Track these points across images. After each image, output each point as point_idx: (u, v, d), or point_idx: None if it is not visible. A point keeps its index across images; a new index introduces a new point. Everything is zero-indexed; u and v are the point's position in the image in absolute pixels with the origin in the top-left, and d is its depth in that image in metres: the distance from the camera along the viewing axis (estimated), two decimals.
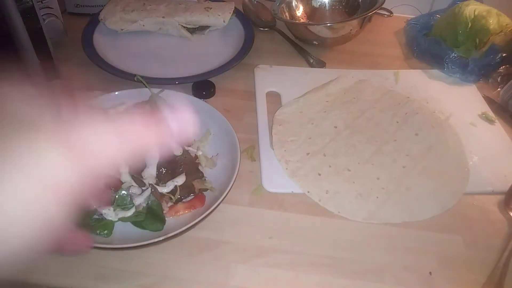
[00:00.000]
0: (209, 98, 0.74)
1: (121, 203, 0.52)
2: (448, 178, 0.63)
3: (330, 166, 0.63)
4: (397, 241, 0.55)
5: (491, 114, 0.74)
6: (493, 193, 0.62)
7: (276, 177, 0.61)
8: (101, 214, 0.51)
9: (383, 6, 0.83)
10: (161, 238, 0.47)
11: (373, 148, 0.66)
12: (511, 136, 0.71)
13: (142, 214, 0.52)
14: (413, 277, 0.52)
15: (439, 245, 0.55)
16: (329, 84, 0.78)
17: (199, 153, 0.59)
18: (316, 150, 0.65)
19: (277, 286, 0.50)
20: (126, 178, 0.53)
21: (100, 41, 0.83)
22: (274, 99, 0.75)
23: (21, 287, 0.50)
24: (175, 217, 0.54)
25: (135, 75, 0.70)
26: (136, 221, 0.52)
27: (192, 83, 0.75)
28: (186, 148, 0.58)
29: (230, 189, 0.52)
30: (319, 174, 0.62)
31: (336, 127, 0.69)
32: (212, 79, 0.76)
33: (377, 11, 0.83)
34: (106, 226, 0.50)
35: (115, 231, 0.51)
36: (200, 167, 0.58)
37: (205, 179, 0.58)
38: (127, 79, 0.73)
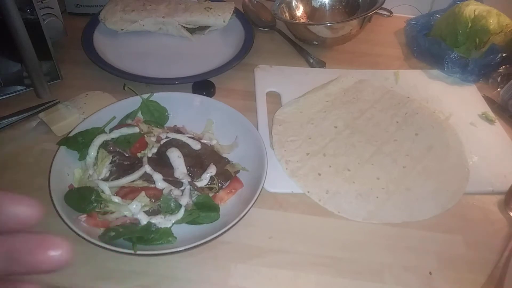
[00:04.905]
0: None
1: (168, 209, 0.52)
2: (448, 178, 0.63)
3: (330, 166, 0.63)
4: (397, 241, 0.55)
5: (491, 114, 0.74)
6: (493, 193, 0.62)
7: (276, 177, 0.61)
8: (155, 225, 0.51)
9: (383, 6, 0.83)
10: (225, 229, 0.49)
11: (373, 148, 0.66)
12: (511, 136, 0.71)
13: (194, 211, 0.53)
14: (413, 277, 0.52)
15: (439, 245, 0.55)
16: (329, 84, 0.78)
17: (213, 142, 0.62)
18: (316, 150, 0.65)
19: (277, 286, 0.50)
20: (162, 184, 0.54)
21: (100, 41, 0.83)
22: (274, 99, 0.75)
23: None
24: (222, 205, 0.55)
25: (134, 77, 0.70)
26: (191, 220, 0.52)
27: (192, 83, 0.75)
28: (202, 141, 0.61)
29: (267, 169, 0.56)
30: (319, 174, 0.62)
31: (336, 127, 0.69)
32: (212, 79, 0.76)
33: (377, 11, 0.83)
34: (166, 234, 0.51)
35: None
36: (223, 154, 0.61)
37: (232, 163, 0.60)
38: (127, 79, 0.73)
